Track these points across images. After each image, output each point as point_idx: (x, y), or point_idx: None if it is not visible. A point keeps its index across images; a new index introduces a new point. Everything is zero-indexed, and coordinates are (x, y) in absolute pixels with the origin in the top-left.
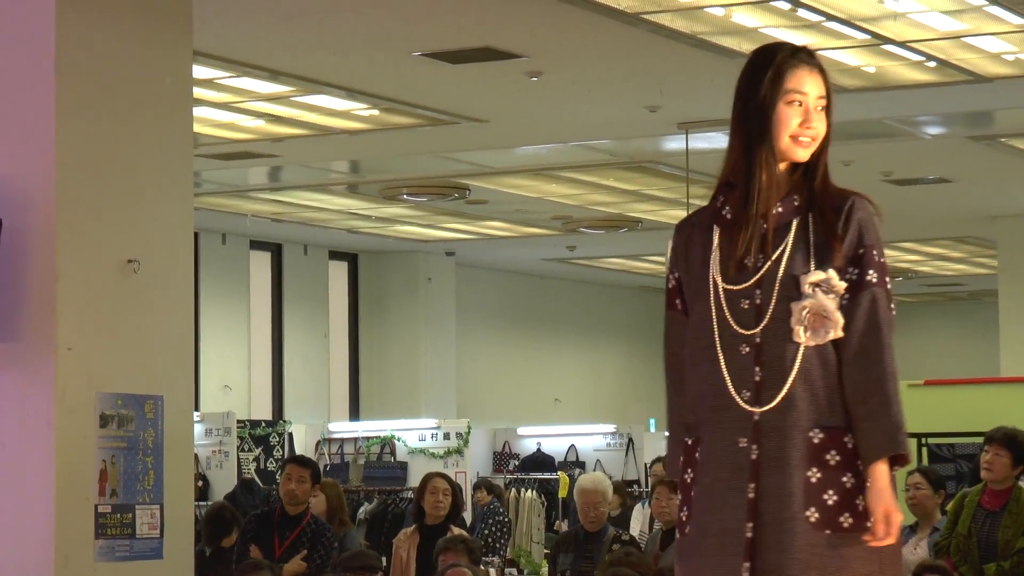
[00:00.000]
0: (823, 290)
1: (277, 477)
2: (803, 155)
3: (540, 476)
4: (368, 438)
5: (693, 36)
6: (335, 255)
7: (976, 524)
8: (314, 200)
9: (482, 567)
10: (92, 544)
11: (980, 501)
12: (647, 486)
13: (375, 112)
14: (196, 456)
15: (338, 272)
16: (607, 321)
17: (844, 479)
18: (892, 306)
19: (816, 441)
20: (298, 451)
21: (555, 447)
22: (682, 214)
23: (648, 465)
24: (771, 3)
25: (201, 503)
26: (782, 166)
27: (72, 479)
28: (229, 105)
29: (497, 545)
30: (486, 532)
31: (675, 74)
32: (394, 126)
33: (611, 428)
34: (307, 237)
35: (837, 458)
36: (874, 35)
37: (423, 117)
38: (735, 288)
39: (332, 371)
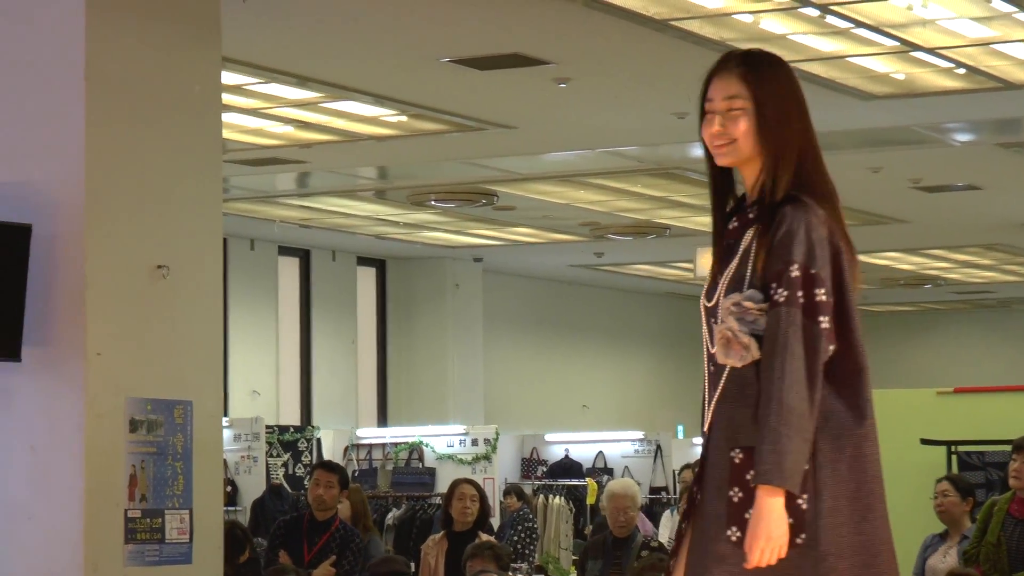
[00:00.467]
0: (734, 313)
1: (305, 483)
2: (724, 160)
3: (568, 482)
4: (396, 444)
5: (721, 43)
6: (363, 261)
7: (1005, 532)
8: (342, 206)
9: (510, 573)
10: (122, 549)
11: (1009, 509)
12: (675, 493)
13: (403, 118)
14: (225, 461)
15: (366, 278)
16: (635, 327)
17: (799, 502)
18: (821, 319)
19: (737, 461)
20: (326, 457)
21: (583, 453)
22: (710, 221)
23: (676, 472)
24: (799, 10)
25: (230, 508)
26: (748, 177)
27: (102, 484)
28: (257, 111)
29: (526, 552)
30: (515, 538)
31: (703, 81)
32: (422, 132)
33: (639, 435)
34: (335, 243)
35: None
36: (903, 42)
37: (451, 123)
38: (708, 306)
39: (360, 377)
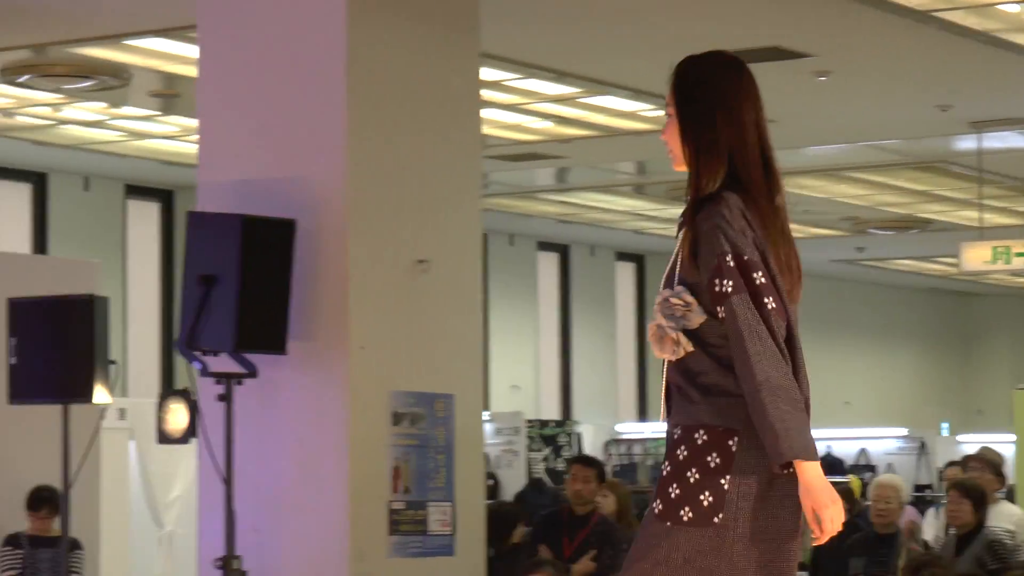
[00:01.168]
0: (661, 309)
1: (565, 477)
2: (674, 166)
3: (830, 479)
4: (656, 439)
5: (985, 33)
6: (622, 256)
7: None
8: (600, 201)
9: None
10: (386, 540)
11: None
12: (940, 491)
13: (662, 112)
14: (486, 455)
15: (625, 273)
16: (897, 323)
17: (688, 473)
18: (766, 300)
19: (675, 437)
20: (587, 451)
21: (845, 450)
22: (974, 215)
23: (941, 470)
24: None
25: (492, 502)
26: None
27: (366, 476)
28: (516, 107)
29: None
30: None
31: (967, 72)
32: None
33: (903, 431)
34: (594, 238)
35: (685, 453)
36: None
37: None
38: None
39: (619, 372)
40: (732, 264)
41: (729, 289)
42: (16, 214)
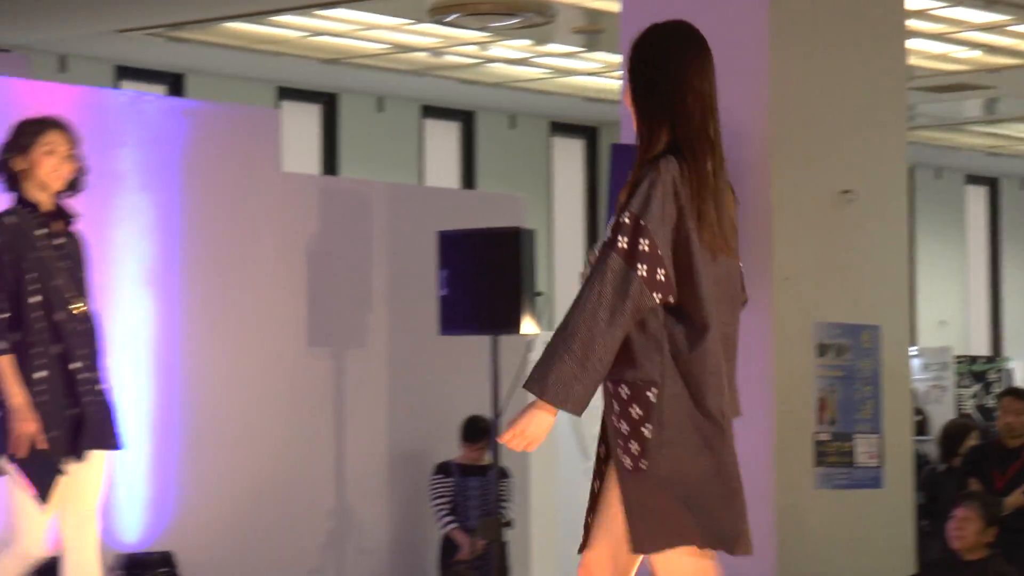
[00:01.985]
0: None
1: (994, 414)
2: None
3: None
4: None
5: None
6: None
7: None
8: None
9: None
10: (811, 471)
11: None
12: None
13: None
14: (914, 390)
15: None
16: None
17: (620, 426)
18: (638, 266)
19: (609, 392)
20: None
21: None
22: None
23: None
24: None
25: (919, 438)
26: None
27: (791, 407)
28: (943, 36)
29: None
30: None
31: None
32: None
33: None
34: (1023, 171)
35: (616, 408)
36: None
37: None
38: None
39: None
40: (625, 222)
41: (607, 242)
42: (446, 151)
